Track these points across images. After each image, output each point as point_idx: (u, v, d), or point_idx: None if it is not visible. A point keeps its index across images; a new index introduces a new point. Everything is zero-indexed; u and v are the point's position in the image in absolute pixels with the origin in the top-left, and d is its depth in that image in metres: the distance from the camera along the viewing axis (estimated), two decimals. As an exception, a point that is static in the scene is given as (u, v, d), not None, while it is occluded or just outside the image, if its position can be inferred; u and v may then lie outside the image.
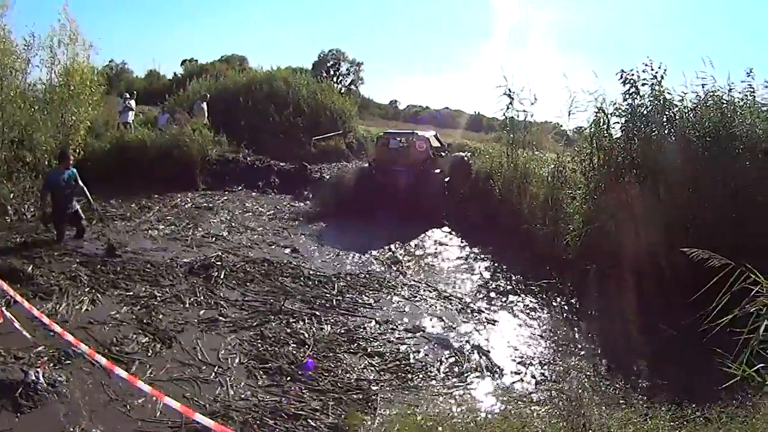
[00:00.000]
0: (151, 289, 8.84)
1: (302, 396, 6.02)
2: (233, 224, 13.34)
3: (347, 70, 68.65)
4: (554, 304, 10.17)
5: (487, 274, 11.77)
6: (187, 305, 8.36)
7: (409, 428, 3.69)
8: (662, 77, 10.92)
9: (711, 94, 10.82)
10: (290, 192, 17.90)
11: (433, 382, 6.72)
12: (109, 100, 18.62)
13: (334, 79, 63.12)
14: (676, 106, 11.01)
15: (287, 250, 11.87)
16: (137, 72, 49.78)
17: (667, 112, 10.96)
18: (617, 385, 6.89)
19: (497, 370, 7.20)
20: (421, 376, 6.84)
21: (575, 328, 9.17)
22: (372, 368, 6.91)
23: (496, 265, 12.44)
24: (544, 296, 10.43)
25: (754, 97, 10.60)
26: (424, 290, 10.14)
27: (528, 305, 9.99)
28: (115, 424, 5.23)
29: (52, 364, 6.02)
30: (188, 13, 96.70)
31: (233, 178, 18.19)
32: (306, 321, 8.16)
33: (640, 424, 3.93)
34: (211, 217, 13.87)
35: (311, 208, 16.17)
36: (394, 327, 8.35)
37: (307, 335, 7.65)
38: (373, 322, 8.43)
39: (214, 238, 12.02)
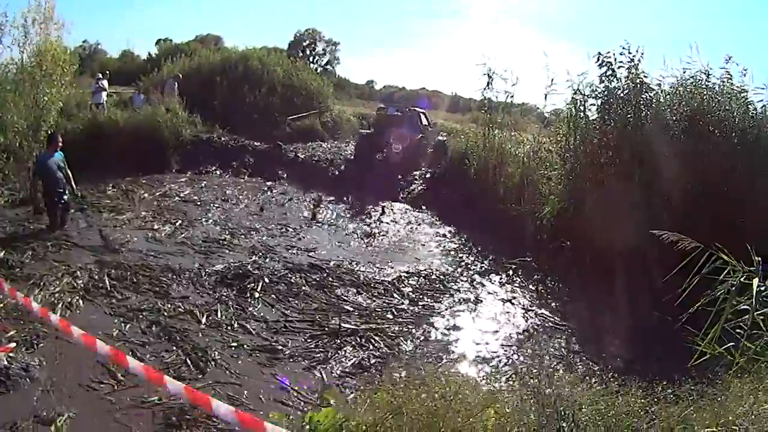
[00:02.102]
0: (156, 300, 7.74)
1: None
2: (229, 224, 12.01)
3: (323, 50, 68.56)
4: (529, 283, 10.27)
5: (461, 254, 11.84)
6: (204, 323, 7.24)
7: (380, 404, 3.70)
8: (639, 60, 10.96)
9: (689, 79, 10.91)
10: (264, 172, 17.78)
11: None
12: (82, 81, 18.26)
13: (310, 59, 63.05)
14: (653, 89, 11.06)
15: (314, 252, 10.72)
16: (111, 52, 49.15)
17: (644, 95, 10.98)
18: (590, 363, 6.99)
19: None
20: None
21: (549, 307, 9.22)
22: (498, 378, 6.36)
23: (471, 244, 12.55)
24: (519, 275, 10.55)
25: (732, 83, 10.67)
26: (482, 290, 9.74)
27: (503, 284, 10.09)
28: (90, 406, 5.19)
29: (24, 349, 5.93)
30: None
31: (207, 158, 17.98)
32: (377, 340, 7.23)
33: (611, 401, 3.97)
34: (202, 214, 12.60)
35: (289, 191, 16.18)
36: (474, 331, 8.02)
37: (403, 357, 6.86)
38: (452, 330, 7.90)
39: (217, 243, 10.60)
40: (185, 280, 8.57)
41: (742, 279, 4.34)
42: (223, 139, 19.42)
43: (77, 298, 7.52)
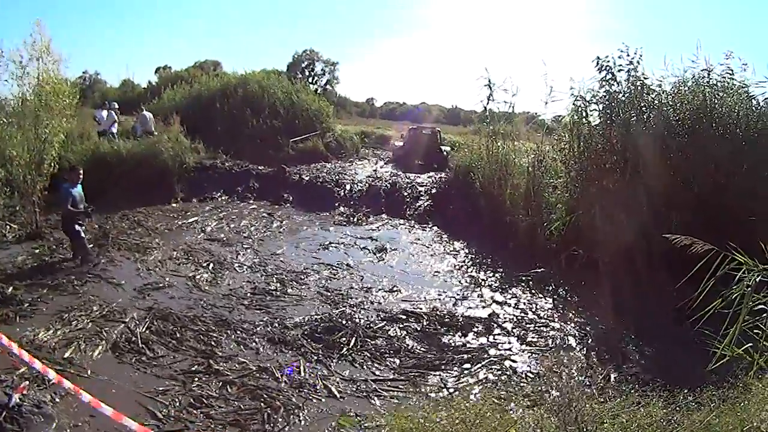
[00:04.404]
0: (201, 358, 7.00)
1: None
2: (269, 268, 10.87)
3: (322, 69, 69.00)
4: (544, 294, 10.14)
5: (473, 268, 11.74)
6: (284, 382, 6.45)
7: (399, 428, 3.64)
8: (638, 62, 10.92)
9: (690, 78, 10.88)
10: (270, 196, 17.69)
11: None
12: (83, 113, 18.27)
13: (310, 79, 63.53)
14: (655, 91, 11.01)
15: (399, 294, 9.84)
16: (111, 82, 49.48)
17: (645, 97, 10.94)
18: (609, 375, 6.88)
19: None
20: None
21: (565, 318, 9.09)
22: (519, 397, 5.94)
23: (481, 258, 12.46)
24: (532, 288, 10.43)
25: (733, 79, 10.63)
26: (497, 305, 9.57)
27: (517, 298, 9.95)
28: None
29: (36, 385, 5.84)
30: (161, 20, 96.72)
31: (212, 184, 17.92)
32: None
33: (632, 413, 3.90)
34: (232, 256, 11.56)
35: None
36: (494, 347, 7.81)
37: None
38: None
39: (270, 296, 9.41)
40: (243, 336, 7.73)
41: (757, 278, 4.27)
42: (227, 164, 19.42)
43: (101, 342, 7.21)
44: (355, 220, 15.84)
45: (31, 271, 9.75)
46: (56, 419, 5.38)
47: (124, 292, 9.10)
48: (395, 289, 10.07)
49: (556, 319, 9.01)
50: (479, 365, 7.18)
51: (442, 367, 7.12)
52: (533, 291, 10.31)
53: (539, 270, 10.98)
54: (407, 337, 7.96)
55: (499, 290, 10.34)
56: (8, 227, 12.26)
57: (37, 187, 11.83)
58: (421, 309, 9.05)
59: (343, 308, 8.90)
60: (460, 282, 10.76)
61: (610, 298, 9.46)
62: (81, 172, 10.48)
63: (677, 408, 4.26)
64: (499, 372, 7.04)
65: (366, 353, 7.38)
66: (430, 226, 15.59)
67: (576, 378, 6.68)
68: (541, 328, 8.62)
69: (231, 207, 16.56)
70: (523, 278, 10.81)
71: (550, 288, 10.44)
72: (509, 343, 7.99)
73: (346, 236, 13.93)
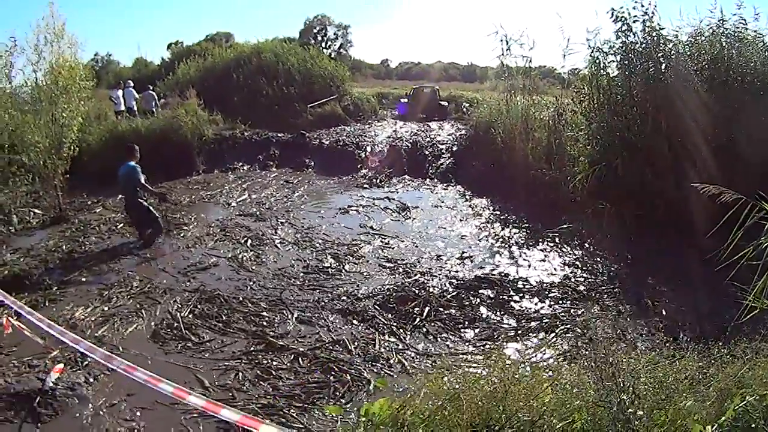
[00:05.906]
0: (256, 338, 6.69)
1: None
2: (316, 243, 10.33)
3: (335, 34, 68.51)
4: (574, 249, 10.08)
5: (498, 225, 11.70)
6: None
7: (437, 391, 3.68)
8: (653, 13, 10.75)
9: (707, 28, 10.83)
10: (291, 163, 17.86)
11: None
12: (98, 94, 18.30)
13: (323, 44, 63.15)
14: (671, 41, 10.87)
15: (469, 261, 9.43)
16: (124, 62, 49.48)
17: (662, 48, 10.79)
18: (643, 329, 6.87)
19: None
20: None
21: (597, 273, 8.97)
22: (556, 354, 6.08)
23: (506, 215, 12.44)
24: (561, 242, 10.39)
25: (747, 29, 10.55)
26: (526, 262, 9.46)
27: (547, 253, 9.91)
28: (142, 422, 5.03)
29: (69, 367, 5.79)
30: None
31: (232, 155, 18.14)
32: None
33: (668, 367, 3.91)
34: (270, 230, 11.15)
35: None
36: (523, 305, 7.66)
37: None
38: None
39: (325, 274, 8.85)
40: (308, 314, 7.38)
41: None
42: (246, 133, 19.57)
43: (137, 319, 7.17)
44: (378, 182, 15.92)
45: (65, 253, 9.74)
46: (91, 400, 5.31)
47: (165, 273, 8.92)
48: (465, 255, 9.70)
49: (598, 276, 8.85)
50: (554, 334, 6.78)
51: (518, 337, 6.74)
52: (562, 246, 10.22)
53: (568, 225, 10.90)
54: (482, 305, 7.62)
55: (525, 247, 10.25)
56: (32, 213, 12.33)
57: (59, 171, 11.90)
58: (492, 275, 8.65)
59: (415, 277, 8.60)
60: (488, 242, 10.65)
61: (639, 252, 9.47)
62: (137, 150, 10.40)
63: (712, 361, 4.25)
64: (573, 338, 6.64)
65: (439, 323, 7.08)
66: (453, 184, 15.65)
67: (611, 332, 6.68)
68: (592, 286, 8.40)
69: (254, 176, 16.73)
70: (551, 234, 10.74)
71: (578, 242, 10.37)
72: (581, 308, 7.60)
73: (375, 199, 13.96)
